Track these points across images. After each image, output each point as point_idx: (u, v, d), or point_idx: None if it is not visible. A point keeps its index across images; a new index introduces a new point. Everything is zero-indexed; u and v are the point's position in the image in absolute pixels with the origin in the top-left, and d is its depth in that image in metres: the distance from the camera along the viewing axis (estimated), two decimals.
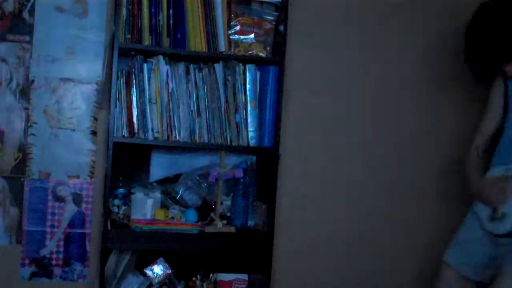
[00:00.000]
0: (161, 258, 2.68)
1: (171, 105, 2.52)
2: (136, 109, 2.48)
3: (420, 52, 3.02)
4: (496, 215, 2.32)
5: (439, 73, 3.03)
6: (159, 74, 2.51)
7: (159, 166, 2.75)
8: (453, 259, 2.47)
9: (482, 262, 2.40)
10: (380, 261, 3.02)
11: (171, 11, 2.52)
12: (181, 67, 2.55)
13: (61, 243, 2.72)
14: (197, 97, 2.55)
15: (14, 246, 2.68)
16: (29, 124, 2.68)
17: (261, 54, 2.64)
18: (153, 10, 2.50)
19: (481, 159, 2.51)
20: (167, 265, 2.68)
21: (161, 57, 2.52)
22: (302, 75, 2.89)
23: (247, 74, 2.60)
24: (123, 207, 2.61)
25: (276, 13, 2.67)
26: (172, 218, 2.60)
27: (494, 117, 2.50)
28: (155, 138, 2.50)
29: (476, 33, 2.38)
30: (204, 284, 2.71)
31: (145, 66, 2.50)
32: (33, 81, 2.68)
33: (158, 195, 2.64)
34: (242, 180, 2.69)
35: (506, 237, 2.30)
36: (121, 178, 2.67)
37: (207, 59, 2.60)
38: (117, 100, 2.46)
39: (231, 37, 2.63)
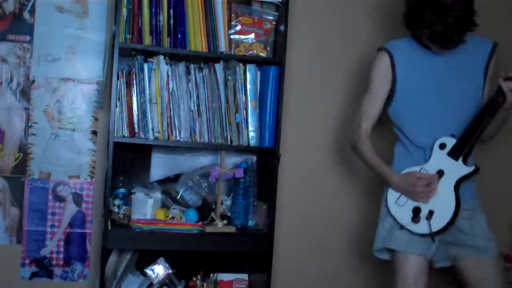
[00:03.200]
0: (161, 258, 2.68)
1: (171, 105, 2.52)
2: (136, 109, 2.48)
3: None
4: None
5: None
6: (159, 74, 2.51)
7: (160, 166, 2.75)
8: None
9: None
10: (381, 262, 3.01)
11: (171, 11, 2.52)
12: (181, 67, 2.55)
13: (62, 243, 2.72)
14: (198, 97, 2.55)
15: (14, 246, 2.68)
16: (29, 124, 2.68)
17: (261, 54, 2.65)
18: (153, 10, 2.50)
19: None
20: (167, 265, 2.68)
21: (161, 57, 2.52)
22: (302, 75, 2.89)
23: (248, 74, 2.60)
24: (124, 207, 2.61)
25: (276, 13, 2.67)
26: (173, 218, 2.60)
27: (379, 101, 2.41)
28: (156, 138, 2.50)
29: None
30: (205, 284, 2.72)
31: (145, 66, 2.50)
32: (33, 81, 2.68)
33: (158, 195, 2.64)
34: (242, 180, 2.69)
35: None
36: (121, 178, 2.68)
37: (208, 59, 2.60)
38: (117, 100, 2.46)
39: (231, 37, 2.63)
